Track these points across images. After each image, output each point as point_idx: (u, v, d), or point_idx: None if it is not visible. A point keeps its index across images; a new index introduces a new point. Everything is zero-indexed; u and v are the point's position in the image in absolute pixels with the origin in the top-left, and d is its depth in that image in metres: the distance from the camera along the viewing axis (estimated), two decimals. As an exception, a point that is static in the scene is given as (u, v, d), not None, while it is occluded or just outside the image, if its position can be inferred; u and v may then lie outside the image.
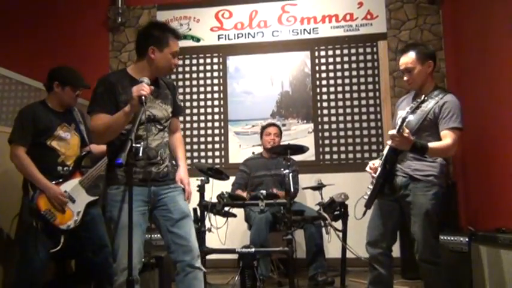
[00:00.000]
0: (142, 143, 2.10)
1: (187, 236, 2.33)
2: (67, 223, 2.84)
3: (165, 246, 2.39)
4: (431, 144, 2.55)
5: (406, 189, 2.69)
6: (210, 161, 5.01)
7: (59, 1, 5.37)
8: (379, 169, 2.74)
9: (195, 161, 4.98)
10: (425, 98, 2.55)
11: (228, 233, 3.57)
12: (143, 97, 2.11)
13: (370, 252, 2.81)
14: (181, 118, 4.99)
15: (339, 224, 3.63)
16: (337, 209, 3.60)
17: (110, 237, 2.43)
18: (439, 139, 2.63)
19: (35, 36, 5.25)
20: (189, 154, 5.03)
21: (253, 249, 3.23)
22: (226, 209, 3.50)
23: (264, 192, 3.37)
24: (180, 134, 2.66)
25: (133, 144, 1.98)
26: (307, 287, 3.80)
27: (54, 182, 2.85)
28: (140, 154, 2.03)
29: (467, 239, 3.14)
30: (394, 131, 2.50)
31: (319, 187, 3.77)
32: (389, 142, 2.64)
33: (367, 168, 2.85)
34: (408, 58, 2.73)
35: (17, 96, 4.44)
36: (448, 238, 3.34)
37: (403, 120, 2.48)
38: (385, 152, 2.79)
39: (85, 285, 3.28)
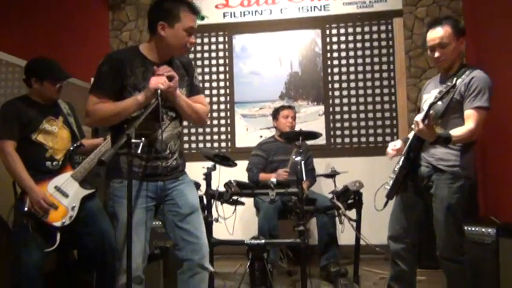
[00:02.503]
0: (143, 138, 1.89)
1: (197, 232, 2.16)
2: (61, 220, 2.64)
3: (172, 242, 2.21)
4: (454, 133, 2.31)
5: (429, 180, 2.48)
6: (216, 145, 4.82)
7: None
8: (402, 158, 2.53)
9: (201, 145, 4.79)
10: (455, 81, 2.30)
11: (236, 223, 3.39)
12: (159, 90, 1.92)
13: (393, 247, 2.63)
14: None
15: (352, 213, 3.45)
16: (351, 197, 3.41)
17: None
18: None
19: (30, 16, 4.99)
20: (193, 138, 4.84)
21: (262, 241, 3.06)
22: (234, 197, 3.31)
23: (274, 180, 3.17)
24: (206, 108, 2.32)
25: (133, 140, 1.78)
26: (319, 277, 3.66)
27: (42, 179, 2.66)
28: (139, 151, 1.83)
29: (494, 231, 2.94)
30: (419, 117, 2.27)
31: (332, 175, 3.57)
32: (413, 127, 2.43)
33: (389, 150, 2.64)
34: (444, 31, 2.44)
35: (15, 78, 4.26)
36: (471, 229, 3.16)
37: (430, 106, 2.24)
38: (410, 137, 2.58)
39: (87, 275, 3.13)
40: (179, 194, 2.17)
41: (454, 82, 2.26)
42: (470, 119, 2.36)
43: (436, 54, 2.48)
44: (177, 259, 2.18)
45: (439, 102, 2.30)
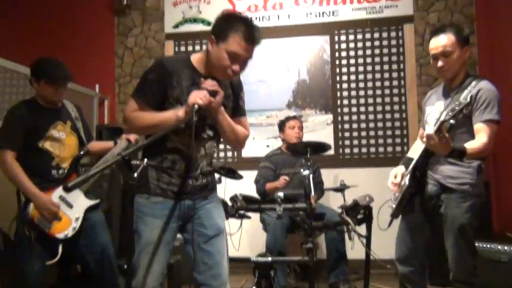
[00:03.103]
0: (146, 160, 1.81)
1: (219, 256, 2.05)
2: (64, 231, 2.57)
3: (192, 263, 2.08)
4: (469, 146, 2.18)
5: (438, 199, 2.37)
6: (221, 154, 4.72)
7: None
8: (408, 176, 2.42)
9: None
10: (471, 99, 2.16)
11: (242, 238, 3.30)
12: (196, 106, 1.77)
13: (401, 269, 2.52)
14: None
15: (362, 228, 3.34)
16: (361, 212, 3.30)
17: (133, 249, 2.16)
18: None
19: (35, 21, 4.96)
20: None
21: (269, 258, 2.97)
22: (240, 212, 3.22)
23: (281, 194, 3.07)
24: (247, 132, 2.17)
25: (133, 162, 1.69)
26: (328, 295, 3.56)
27: (47, 187, 2.57)
28: (135, 175, 1.72)
29: (511, 248, 2.83)
30: (431, 131, 2.12)
31: (341, 189, 3.46)
32: (416, 145, 2.32)
33: (389, 184, 2.53)
34: (448, 39, 2.33)
35: (19, 85, 4.20)
36: (485, 246, 3.05)
37: (442, 123, 2.10)
38: (415, 155, 2.47)
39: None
40: (206, 214, 2.07)
41: (468, 100, 2.12)
42: (482, 133, 2.24)
43: (439, 64, 2.37)
44: (194, 282, 2.08)
45: (452, 121, 2.18)
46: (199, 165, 2.03)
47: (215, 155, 2.17)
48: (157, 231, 1.94)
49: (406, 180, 2.44)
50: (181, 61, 2.00)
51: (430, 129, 2.15)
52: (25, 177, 2.54)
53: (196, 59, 2.00)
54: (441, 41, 2.35)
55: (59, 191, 2.61)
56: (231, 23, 1.88)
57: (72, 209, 2.63)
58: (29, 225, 2.52)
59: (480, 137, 2.24)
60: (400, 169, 2.55)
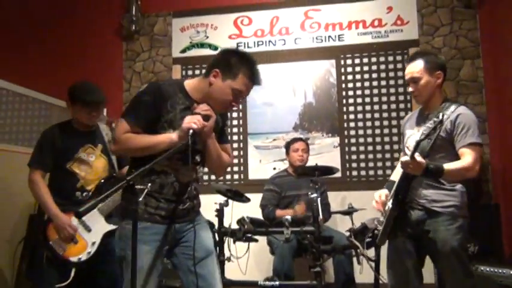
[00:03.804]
0: (166, 177, 1.83)
1: (211, 278, 2.03)
2: (78, 255, 2.57)
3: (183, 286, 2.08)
4: (447, 166, 2.22)
5: (424, 224, 2.36)
6: (228, 177, 4.71)
7: (71, 10, 5.15)
8: (391, 200, 2.42)
9: (213, 177, 4.69)
10: (442, 117, 2.19)
11: (249, 262, 3.26)
12: (191, 131, 1.81)
13: None
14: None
15: (371, 252, 3.29)
16: (369, 235, 3.26)
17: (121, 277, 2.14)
18: (456, 160, 2.30)
19: (46, 47, 5.06)
20: (206, 170, 4.72)
21: (277, 283, 2.93)
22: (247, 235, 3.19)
23: (289, 217, 3.05)
24: (230, 160, 2.22)
25: (138, 186, 1.69)
26: (336, 320, 3.49)
27: (70, 209, 2.57)
28: (140, 199, 1.73)
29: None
30: (407, 157, 2.18)
31: (350, 212, 3.44)
32: (398, 168, 2.33)
33: (373, 203, 2.55)
34: (415, 67, 2.43)
35: (34, 115, 4.26)
36: (495, 270, 2.99)
37: (418, 143, 2.17)
38: (396, 178, 2.48)
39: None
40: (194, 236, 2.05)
41: (440, 118, 2.16)
42: (467, 155, 2.28)
43: (410, 89, 2.48)
44: None
45: (427, 140, 2.23)
46: (187, 189, 2.04)
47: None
48: (146, 257, 1.90)
49: (389, 204, 2.44)
50: (176, 86, 2.03)
51: (405, 157, 2.21)
52: (49, 197, 2.59)
53: (190, 84, 2.04)
54: (409, 68, 2.47)
55: None
56: (241, 63, 1.96)
57: (90, 233, 2.63)
58: (44, 247, 2.54)
59: (464, 158, 2.28)
60: (384, 192, 2.57)
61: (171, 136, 1.89)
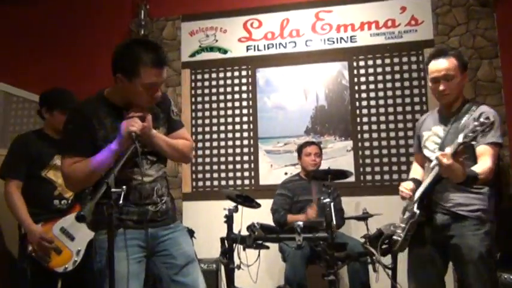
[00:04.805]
0: (124, 186, 1.69)
1: (195, 285, 1.96)
2: (64, 265, 2.49)
3: None
4: (479, 171, 2.10)
5: (449, 229, 2.24)
6: (238, 182, 4.61)
7: (79, 14, 5.13)
8: (415, 204, 2.29)
9: (223, 183, 4.59)
10: (489, 119, 2.05)
11: (260, 269, 3.15)
12: (133, 133, 1.77)
13: None
14: (207, 136, 4.65)
15: (387, 259, 3.16)
16: (385, 242, 3.13)
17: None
18: (476, 160, 2.19)
19: (54, 52, 5.03)
20: (215, 175, 4.65)
21: (289, 292, 2.80)
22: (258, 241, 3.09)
23: (301, 223, 2.94)
24: (190, 143, 2.15)
25: (113, 189, 1.60)
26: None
27: (49, 218, 2.51)
28: (121, 201, 1.64)
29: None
30: (449, 151, 2.04)
31: (364, 217, 3.31)
32: (432, 164, 2.20)
33: (402, 189, 2.39)
34: (450, 63, 2.30)
35: (31, 115, 4.24)
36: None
37: (459, 144, 2.03)
38: (415, 177, 2.38)
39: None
40: (173, 244, 2.00)
41: (492, 120, 2.03)
42: (486, 156, 2.17)
43: (441, 87, 2.31)
44: None
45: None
46: (153, 189, 1.98)
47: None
48: (123, 264, 1.80)
49: (415, 208, 2.30)
50: (95, 102, 1.97)
51: (448, 149, 2.07)
52: (22, 209, 2.50)
53: (110, 93, 1.98)
54: (443, 64, 2.31)
55: (61, 222, 2.56)
56: (134, 56, 1.83)
57: (74, 241, 2.56)
58: (28, 259, 2.46)
59: (484, 160, 2.16)
60: (409, 183, 2.43)
61: (110, 147, 1.82)
